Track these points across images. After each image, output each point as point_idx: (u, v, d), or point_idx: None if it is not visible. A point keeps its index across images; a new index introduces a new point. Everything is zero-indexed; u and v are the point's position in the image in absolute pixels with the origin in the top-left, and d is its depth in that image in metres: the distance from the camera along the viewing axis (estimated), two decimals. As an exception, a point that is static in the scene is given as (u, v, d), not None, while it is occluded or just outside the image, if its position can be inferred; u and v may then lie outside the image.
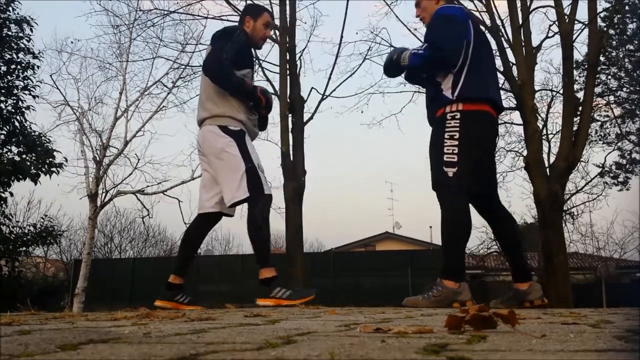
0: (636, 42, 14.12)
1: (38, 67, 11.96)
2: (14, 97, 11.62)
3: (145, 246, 27.35)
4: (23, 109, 11.68)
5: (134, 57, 13.51)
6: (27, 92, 11.74)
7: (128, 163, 12.91)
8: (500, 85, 9.49)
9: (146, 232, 26.50)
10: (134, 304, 3.12)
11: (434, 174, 2.93)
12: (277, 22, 9.39)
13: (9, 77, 11.63)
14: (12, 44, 11.62)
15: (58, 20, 35.88)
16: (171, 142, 52.10)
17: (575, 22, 9.19)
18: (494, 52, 3.93)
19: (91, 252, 12.56)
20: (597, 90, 12.99)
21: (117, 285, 17.46)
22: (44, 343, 0.92)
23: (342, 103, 52.87)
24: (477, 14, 9.93)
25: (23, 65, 11.73)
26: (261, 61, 10.12)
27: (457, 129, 2.86)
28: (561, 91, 10.25)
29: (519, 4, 9.25)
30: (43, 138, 11.85)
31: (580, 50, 12.62)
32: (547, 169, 9.09)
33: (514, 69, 9.32)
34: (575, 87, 10.65)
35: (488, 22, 9.64)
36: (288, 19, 9.42)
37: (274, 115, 9.45)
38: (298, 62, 9.61)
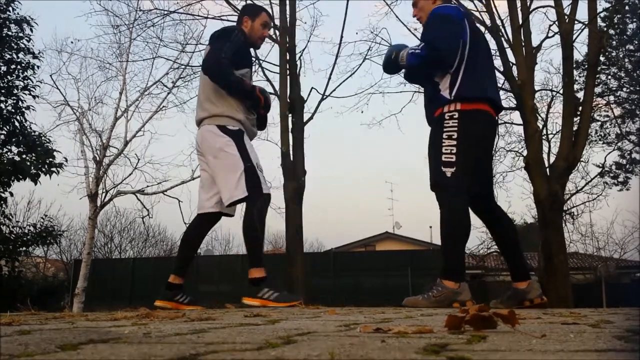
0: (636, 42, 14.12)
1: (38, 67, 11.98)
2: (14, 97, 11.62)
3: (145, 246, 27.38)
4: (23, 109, 11.69)
5: (134, 57, 13.53)
6: (27, 92, 11.75)
7: (128, 163, 12.93)
8: (500, 85, 9.52)
9: (146, 232, 26.53)
10: (134, 304, 3.12)
11: (433, 174, 2.93)
12: (277, 22, 9.40)
13: (9, 77, 11.63)
14: (12, 44, 11.62)
15: (58, 20, 35.91)
16: (171, 142, 52.12)
17: (575, 22, 9.20)
18: (492, 51, 3.93)
19: (91, 252, 12.56)
20: (597, 90, 12.99)
21: (117, 285, 17.45)
22: (44, 343, 0.92)
23: (342, 103, 52.90)
24: (477, 14, 9.94)
25: (23, 65, 11.73)
26: (261, 61, 10.14)
27: (455, 128, 2.86)
28: (561, 91, 10.25)
29: (519, 4, 9.25)
30: (43, 138, 11.86)
31: (580, 50, 12.64)
32: (547, 169, 9.09)
33: (514, 69, 9.32)
34: (575, 87, 10.65)
35: (488, 22, 9.65)
36: (288, 19, 9.42)
37: (274, 115, 9.47)
38: (298, 62, 9.62)
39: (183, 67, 12.05)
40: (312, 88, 9.92)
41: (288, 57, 9.25)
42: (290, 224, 8.73)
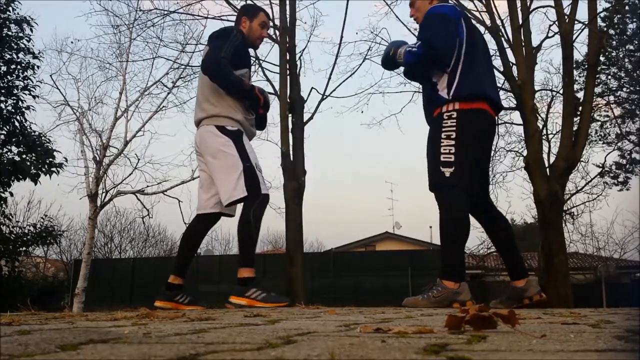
0: (636, 42, 14.12)
1: (38, 67, 11.99)
2: (14, 97, 11.62)
3: (145, 246, 27.40)
4: (23, 109, 11.69)
5: (134, 57, 13.56)
6: (27, 92, 11.75)
7: (128, 163, 12.94)
8: (500, 85, 9.51)
9: (146, 232, 26.55)
10: (134, 304, 3.12)
11: (431, 174, 2.93)
12: (277, 22, 9.40)
13: (9, 77, 11.63)
14: (12, 44, 11.62)
15: (58, 20, 35.93)
16: (171, 142, 52.21)
17: (575, 22, 9.19)
18: (492, 51, 3.93)
19: (91, 252, 12.57)
20: (597, 90, 12.99)
21: (117, 285, 17.46)
22: (44, 343, 0.92)
23: (342, 103, 53.05)
24: (477, 14, 9.94)
25: (23, 65, 11.74)
26: (261, 61, 10.13)
27: (454, 128, 2.85)
28: (561, 91, 10.24)
29: (519, 4, 9.25)
30: (43, 138, 11.86)
31: (580, 50, 12.64)
32: (547, 169, 9.08)
33: (514, 69, 9.31)
34: (575, 87, 10.64)
35: (488, 22, 9.64)
36: (288, 19, 9.41)
37: (274, 115, 9.47)
38: (298, 62, 9.60)
39: (183, 67, 12.07)
40: (312, 88, 9.92)
41: (288, 57, 9.24)
42: (291, 224, 8.72)
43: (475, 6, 10.15)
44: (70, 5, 43.63)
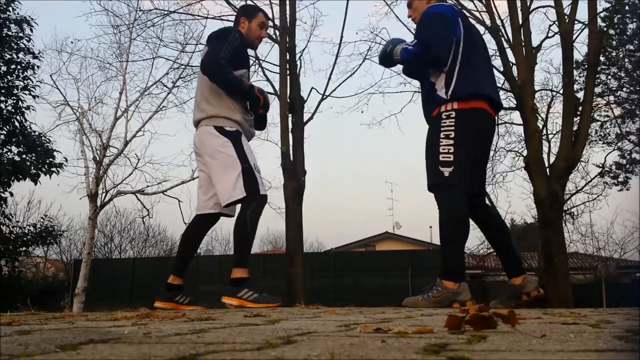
0: (636, 42, 14.12)
1: (38, 67, 12.00)
2: (14, 97, 11.62)
3: (145, 246, 27.39)
4: (23, 109, 11.69)
5: (134, 57, 13.55)
6: (27, 92, 11.76)
7: (128, 163, 12.95)
8: (500, 85, 9.50)
9: (146, 232, 26.55)
10: (134, 304, 3.12)
11: (430, 174, 2.92)
12: (277, 22, 9.40)
13: (9, 77, 11.63)
14: (12, 44, 11.62)
15: (58, 20, 35.92)
16: (171, 142, 52.17)
17: (575, 22, 9.18)
18: (492, 51, 3.92)
19: (91, 252, 12.57)
20: (597, 90, 12.99)
21: (117, 285, 17.45)
22: (44, 343, 0.92)
23: (342, 103, 53.01)
24: (477, 14, 9.94)
25: (23, 65, 11.74)
26: (261, 61, 10.13)
27: (453, 128, 2.85)
28: (561, 91, 10.24)
29: (519, 4, 9.24)
30: (43, 138, 11.86)
31: (580, 50, 12.62)
32: (547, 169, 9.08)
33: (514, 69, 9.30)
34: (575, 87, 10.64)
35: (488, 22, 9.64)
36: (288, 19, 9.41)
37: (274, 115, 9.47)
38: (298, 62, 9.60)
39: (183, 67, 12.07)
40: (312, 88, 9.92)
41: (288, 57, 9.24)
42: (291, 224, 8.72)
43: (475, 6, 10.16)
44: (70, 5, 43.66)
